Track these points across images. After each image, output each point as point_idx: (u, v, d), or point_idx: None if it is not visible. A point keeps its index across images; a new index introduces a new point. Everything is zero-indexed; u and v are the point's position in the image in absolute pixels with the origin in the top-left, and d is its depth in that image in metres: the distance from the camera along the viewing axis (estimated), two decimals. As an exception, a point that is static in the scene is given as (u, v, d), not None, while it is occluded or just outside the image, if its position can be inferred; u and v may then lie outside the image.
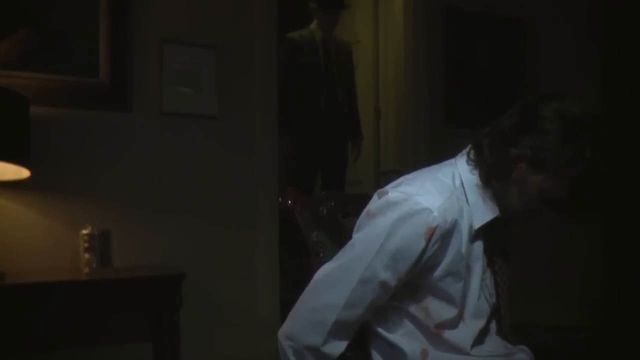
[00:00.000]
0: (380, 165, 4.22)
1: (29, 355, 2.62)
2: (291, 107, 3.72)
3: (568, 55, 3.93)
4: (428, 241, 1.24)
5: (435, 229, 1.24)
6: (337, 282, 1.26)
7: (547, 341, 1.56)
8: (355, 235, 1.30)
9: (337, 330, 1.26)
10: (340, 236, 1.39)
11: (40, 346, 2.64)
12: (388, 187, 1.33)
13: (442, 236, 1.25)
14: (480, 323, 1.34)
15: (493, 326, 1.41)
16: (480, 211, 1.32)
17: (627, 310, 3.24)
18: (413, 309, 1.31)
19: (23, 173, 2.41)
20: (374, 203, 1.31)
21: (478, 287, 1.34)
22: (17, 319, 2.54)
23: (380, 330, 1.33)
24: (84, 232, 2.48)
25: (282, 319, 1.34)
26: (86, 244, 2.47)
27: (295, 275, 3.24)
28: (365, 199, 1.36)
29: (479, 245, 1.35)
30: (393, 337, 1.32)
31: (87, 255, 2.47)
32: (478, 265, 1.34)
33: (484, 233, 1.35)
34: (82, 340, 2.74)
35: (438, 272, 1.28)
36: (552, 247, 3.37)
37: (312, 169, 3.99)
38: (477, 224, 1.32)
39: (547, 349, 1.53)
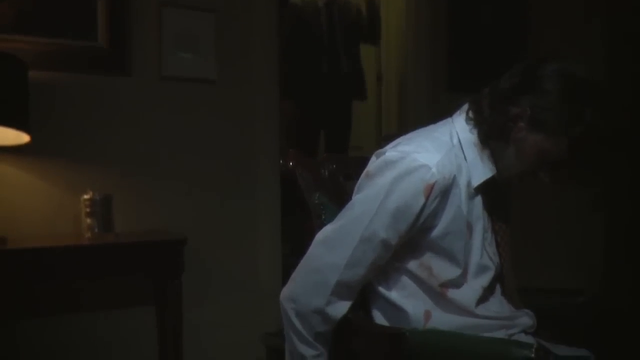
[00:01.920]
0: (382, 131, 4.20)
1: (31, 320, 2.64)
2: (292, 72, 3.68)
3: (572, 17, 3.88)
4: (427, 198, 1.23)
5: (433, 185, 1.23)
6: (338, 242, 1.26)
7: (548, 304, 1.56)
8: (355, 197, 1.30)
9: (340, 290, 1.26)
10: (342, 199, 1.38)
11: (42, 311, 2.66)
12: (386, 147, 1.32)
13: (441, 192, 1.25)
14: (483, 281, 1.34)
15: (498, 288, 1.41)
16: (479, 169, 1.32)
17: (628, 273, 3.25)
18: (415, 268, 1.31)
19: (23, 138, 2.40)
20: (373, 164, 1.31)
21: (480, 246, 1.34)
22: (18, 284, 2.55)
23: (382, 291, 1.33)
24: (85, 197, 2.47)
25: (284, 284, 1.34)
26: (87, 209, 2.47)
27: (289, 233, 3.26)
28: (366, 162, 1.35)
29: (478, 204, 1.34)
30: (396, 298, 1.32)
31: (88, 220, 2.47)
32: (479, 224, 1.34)
33: (484, 192, 1.34)
34: (85, 305, 2.75)
35: (438, 230, 1.28)
36: (554, 210, 3.37)
37: (315, 131, 3.96)
38: (476, 182, 1.32)
39: (548, 311, 1.53)
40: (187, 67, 2.87)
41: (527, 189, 1.56)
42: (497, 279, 1.41)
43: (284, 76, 3.32)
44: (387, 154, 1.29)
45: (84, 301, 2.74)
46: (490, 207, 1.38)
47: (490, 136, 1.31)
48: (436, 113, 1.45)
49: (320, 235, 1.29)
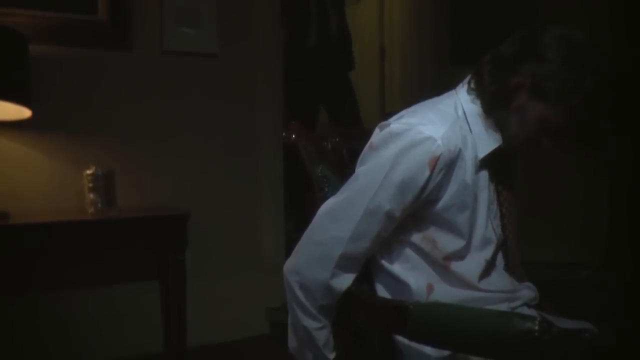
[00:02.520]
0: (385, 106, 4.17)
1: (35, 295, 2.65)
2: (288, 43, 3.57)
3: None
4: (432, 170, 1.22)
5: (439, 157, 1.22)
6: (342, 215, 1.25)
7: (551, 277, 1.56)
8: (358, 169, 1.29)
9: (344, 263, 1.26)
10: (345, 171, 1.38)
11: (46, 286, 2.67)
12: (390, 119, 1.31)
13: (446, 165, 1.24)
14: (486, 254, 1.33)
15: (500, 261, 1.41)
16: (484, 140, 1.31)
17: (632, 247, 3.25)
18: (419, 241, 1.30)
19: (24, 113, 2.39)
20: (377, 136, 1.29)
21: (485, 217, 1.33)
22: (22, 259, 2.56)
23: (386, 264, 1.33)
24: (88, 172, 2.47)
25: (287, 258, 1.34)
26: (90, 184, 2.46)
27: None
28: (370, 134, 1.34)
29: (484, 176, 1.33)
30: (399, 271, 1.31)
31: (91, 196, 2.46)
32: (484, 196, 1.33)
33: (489, 163, 1.33)
34: (89, 280, 2.77)
35: (443, 202, 1.27)
36: (558, 183, 3.36)
37: (311, 106, 3.80)
38: (482, 154, 1.31)
39: (551, 285, 1.53)
40: (188, 42, 2.85)
41: (530, 160, 1.55)
42: (501, 251, 1.40)
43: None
44: (391, 125, 1.27)
45: (88, 276, 2.75)
46: (496, 179, 1.37)
47: (492, 106, 1.30)
48: (440, 87, 1.43)
49: (323, 208, 1.28)
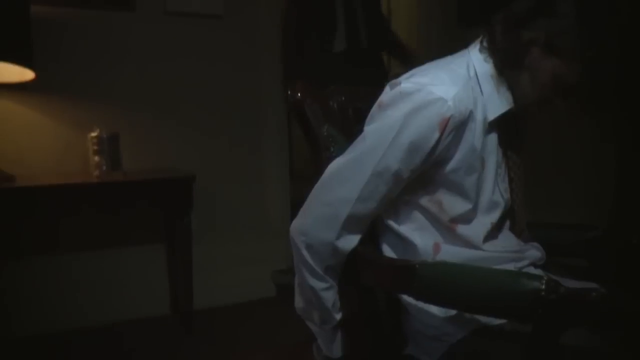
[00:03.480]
0: (391, 69, 4.13)
1: (41, 257, 2.67)
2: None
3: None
4: (442, 132, 1.20)
5: (449, 119, 1.20)
6: (350, 175, 1.24)
7: (558, 238, 1.55)
8: (366, 128, 1.27)
9: (350, 224, 1.25)
10: (351, 131, 1.36)
11: (52, 248, 2.69)
12: (401, 78, 1.28)
13: (456, 127, 1.22)
14: (493, 217, 1.32)
15: (507, 224, 1.40)
16: (495, 102, 1.28)
17: (639, 209, 3.23)
18: (426, 202, 1.29)
19: (27, 75, 2.38)
20: (386, 94, 1.27)
21: (493, 181, 1.32)
22: (28, 222, 2.57)
23: (392, 224, 1.32)
24: (93, 134, 2.47)
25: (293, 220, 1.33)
26: (95, 147, 2.46)
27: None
28: (376, 95, 1.32)
29: (493, 138, 1.31)
30: (405, 231, 1.31)
31: (96, 158, 2.47)
32: (492, 159, 1.31)
33: (498, 126, 1.32)
34: (95, 243, 2.78)
35: (451, 165, 1.25)
36: (566, 145, 3.34)
37: None
38: (492, 116, 1.29)
39: (557, 245, 1.52)
40: (192, 1, 2.82)
41: (538, 124, 1.53)
42: (508, 215, 1.39)
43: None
44: (402, 85, 1.25)
45: (94, 239, 2.77)
46: (505, 142, 1.35)
47: (504, 64, 1.27)
48: (448, 50, 1.41)
49: (331, 168, 1.27)
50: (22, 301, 2.65)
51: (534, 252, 1.40)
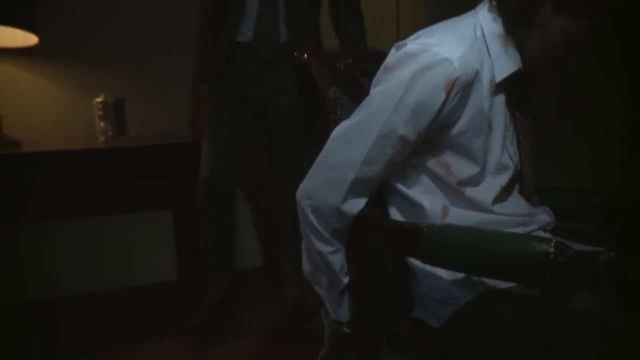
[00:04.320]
0: (399, 34, 4.09)
1: (48, 222, 2.68)
2: None
3: None
4: (448, 94, 1.19)
5: (455, 80, 1.18)
6: (356, 138, 1.23)
7: (567, 203, 1.54)
8: (372, 90, 1.25)
9: (356, 187, 1.24)
10: (358, 94, 1.34)
11: (59, 214, 2.69)
12: (407, 39, 1.26)
13: (462, 88, 1.20)
14: (501, 180, 1.31)
15: (516, 187, 1.39)
16: (503, 63, 1.26)
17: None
18: (433, 165, 1.28)
19: (31, 39, 2.36)
20: (392, 56, 1.25)
21: (500, 144, 1.30)
22: (33, 187, 2.57)
23: (400, 187, 1.31)
24: (98, 100, 2.45)
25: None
26: (100, 112, 2.45)
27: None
28: (384, 57, 1.30)
29: (500, 100, 1.30)
30: (413, 194, 1.30)
31: (102, 124, 2.46)
32: (500, 121, 1.30)
33: (506, 88, 1.30)
34: (101, 209, 2.79)
35: (458, 127, 1.24)
36: (574, 109, 3.31)
37: None
38: (499, 77, 1.27)
39: (566, 210, 1.51)
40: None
41: (546, 86, 1.51)
42: (517, 178, 1.38)
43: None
44: (407, 46, 1.23)
45: (100, 205, 2.78)
46: (513, 105, 1.34)
47: (514, 23, 1.25)
48: (455, 10, 1.38)
49: (337, 132, 1.26)
50: (27, 267, 2.67)
51: (544, 216, 1.40)
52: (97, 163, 2.46)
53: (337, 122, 1.28)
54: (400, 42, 1.26)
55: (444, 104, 1.19)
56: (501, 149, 1.31)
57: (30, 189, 2.58)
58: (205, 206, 2.48)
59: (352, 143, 1.23)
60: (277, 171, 2.59)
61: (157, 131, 2.77)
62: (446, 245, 1.11)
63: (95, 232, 2.78)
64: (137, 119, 2.66)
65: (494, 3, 1.28)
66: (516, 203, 1.37)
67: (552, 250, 0.97)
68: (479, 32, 1.27)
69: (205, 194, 2.45)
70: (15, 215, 2.60)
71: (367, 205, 1.27)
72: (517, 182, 1.39)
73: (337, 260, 1.31)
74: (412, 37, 1.27)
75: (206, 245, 2.54)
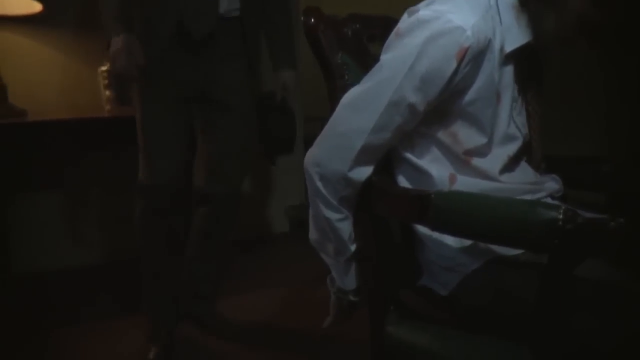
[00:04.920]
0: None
1: (52, 191, 2.69)
2: None
3: None
4: (460, 62, 1.17)
5: (467, 49, 1.16)
6: (365, 106, 1.21)
7: (575, 172, 1.53)
8: (383, 57, 1.23)
9: (364, 155, 1.23)
10: (366, 60, 1.33)
11: (64, 183, 2.70)
12: (419, 5, 1.24)
13: (474, 57, 1.18)
14: (509, 150, 1.30)
15: (524, 158, 1.38)
16: (513, 34, 1.24)
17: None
18: (441, 134, 1.27)
19: (35, 7, 2.34)
20: (404, 22, 1.23)
21: (508, 115, 1.29)
22: (40, 155, 2.57)
23: (408, 155, 1.31)
24: (103, 68, 2.44)
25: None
26: (106, 81, 2.44)
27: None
28: (392, 23, 1.28)
29: (509, 72, 1.28)
30: (421, 162, 1.29)
31: (107, 93, 2.45)
32: (507, 93, 1.28)
33: (515, 60, 1.28)
34: (106, 179, 2.79)
35: (468, 96, 1.22)
36: (583, 78, 3.29)
37: None
38: (509, 48, 1.25)
39: (574, 179, 1.50)
40: None
41: (558, 57, 1.49)
42: (525, 149, 1.37)
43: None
44: (420, 12, 1.21)
45: (105, 175, 2.78)
46: (522, 76, 1.32)
47: None
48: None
49: (346, 98, 1.25)
50: (29, 236, 2.68)
51: (552, 183, 1.39)
52: (102, 132, 2.45)
53: (344, 89, 1.27)
54: (413, 8, 1.24)
55: (455, 72, 1.18)
56: (508, 120, 1.30)
57: (36, 157, 2.58)
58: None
59: (361, 110, 1.22)
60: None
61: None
62: (454, 211, 1.10)
63: (97, 202, 2.78)
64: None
65: None
66: (524, 172, 1.36)
67: (561, 217, 0.96)
68: (492, 0, 1.25)
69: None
70: (20, 184, 2.60)
71: (374, 172, 1.26)
72: (525, 153, 1.38)
73: (345, 227, 1.30)
74: (424, 3, 1.25)
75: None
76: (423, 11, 1.21)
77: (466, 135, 1.26)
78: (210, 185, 2.12)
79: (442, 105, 1.24)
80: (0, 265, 2.50)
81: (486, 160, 1.28)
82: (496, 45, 1.23)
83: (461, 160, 1.28)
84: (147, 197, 2.05)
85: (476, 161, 1.28)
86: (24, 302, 2.53)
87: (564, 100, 3.18)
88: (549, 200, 1.35)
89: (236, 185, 2.15)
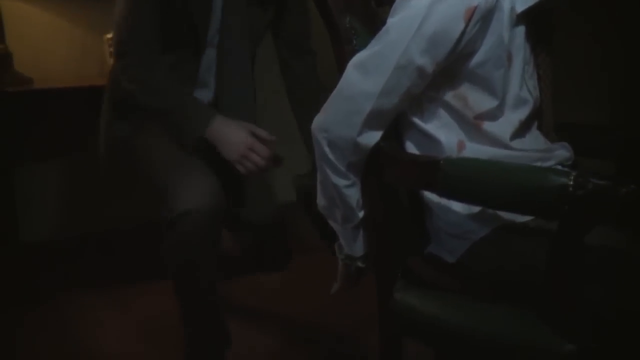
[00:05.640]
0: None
1: (59, 159, 2.68)
2: None
3: None
4: (467, 23, 1.15)
5: (475, 9, 1.14)
6: (373, 69, 1.20)
7: (586, 139, 1.51)
8: (390, 20, 1.22)
9: (372, 120, 1.22)
10: (373, 24, 1.31)
11: (69, 151, 2.69)
12: None
13: (482, 17, 1.16)
14: (520, 115, 1.29)
15: (535, 123, 1.37)
16: None
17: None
18: (450, 98, 1.25)
19: (40, -27, 2.32)
20: None
21: (520, 77, 1.27)
22: (47, 124, 2.57)
23: (417, 121, 1.29)
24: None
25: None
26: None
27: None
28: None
29: (521, 33, 1.26)
30: (429, 127, 1.27)
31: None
32: (520, 55, 1.27)
33: (527, 21, 1.26)
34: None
35: (478, 57, 1.20)
36: (596, 46, 3.24)
37: None
38: (520, 8, 1.23)
39: (585, 147, 1.48)
40: None
41: (568, 22, 1.46)
42: (536, 114, 1.36)
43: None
44: None
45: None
46: (534, 38, 1.30)
47: None
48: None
49: (353, 62, 1.23)
50: (36, 205, 2.68)
51: (562, 151, 1.37)
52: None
53: (352, 53, 1.26)
54: None
55: (463, 33, 1.16)
56: (520, 82, 1.28)
57: (42, 126, 2.57)
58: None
59: (369, 74, 1.20)
60: None
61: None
62: (463, 177, 1.10)
63: (100, 171, 2.77)
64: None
65: None
66: (534, 139, 1.35)
67: (571, 183, 0.95)
68: None
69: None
70: (26, 153, 2.60)
71: (382, 138, 1.25)
72: (536, 118, 1.37)
73: (353, 194, 1.30)
74: None
75: None
76: None
77: (477, 99, 1.25)
78: None
79: (451, 67, 1.22)
80: (8, 233, 2.50)
81: (497, 124, 1.27)
82: (505, 5, 1.21)
83: (472, 125, 1.26)
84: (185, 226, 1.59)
85: (487, 125, 1.26)
86: (32, 270, 2.54)
87: (577, 66, 3.14)
88: (559, 167, 1.33)
89: None
